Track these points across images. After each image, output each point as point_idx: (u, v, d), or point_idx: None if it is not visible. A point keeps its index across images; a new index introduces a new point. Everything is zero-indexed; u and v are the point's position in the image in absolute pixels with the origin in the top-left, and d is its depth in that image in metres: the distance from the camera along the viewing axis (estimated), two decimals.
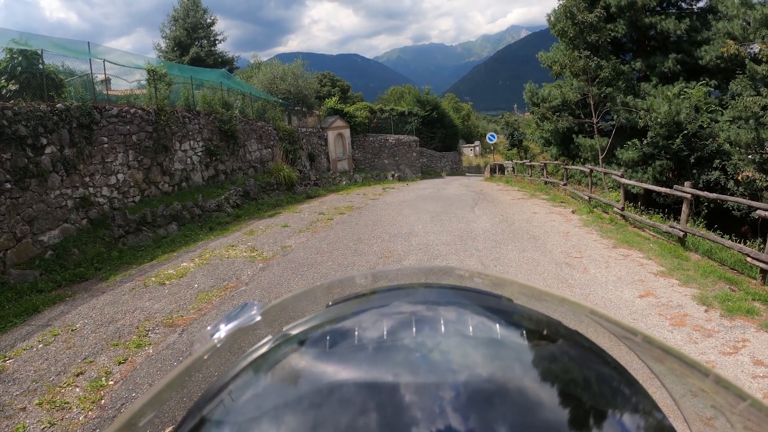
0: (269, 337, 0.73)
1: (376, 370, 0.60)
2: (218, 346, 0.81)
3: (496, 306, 0.76)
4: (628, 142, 21.08)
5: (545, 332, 0.71)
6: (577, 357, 0.68)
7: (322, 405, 0.56)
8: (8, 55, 11.76)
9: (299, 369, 0.65)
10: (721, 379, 0.66)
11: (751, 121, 16.81)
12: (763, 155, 17.01)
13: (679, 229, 9.29)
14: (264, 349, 0.70)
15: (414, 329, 0.66)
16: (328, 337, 0.69)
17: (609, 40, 22.44)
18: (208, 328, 0.87)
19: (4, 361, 6.05)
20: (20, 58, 11.73)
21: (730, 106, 19.25)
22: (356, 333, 0.68)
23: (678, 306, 6.43)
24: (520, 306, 0.78)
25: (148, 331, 6.80)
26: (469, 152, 58.07)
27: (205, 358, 0.77)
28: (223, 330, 0.86)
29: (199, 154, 17.70)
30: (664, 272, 7.88)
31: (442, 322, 0.68)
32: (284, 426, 0.55)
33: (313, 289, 0.97)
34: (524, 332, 0.69)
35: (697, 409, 0.67)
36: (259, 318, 0.86)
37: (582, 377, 0.65)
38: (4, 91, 11.39)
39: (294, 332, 0.72)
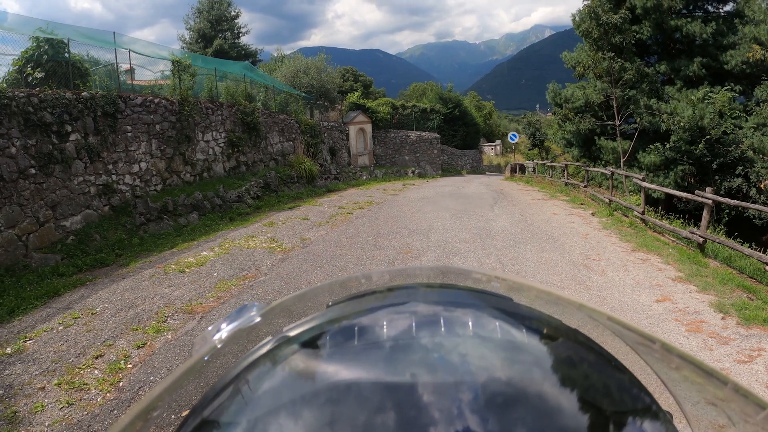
0: (270, 337, 0.73)
1: (377, 370, 0.60)
2: (219, 347, 0.81)
3: (497, 306, 0.76)
4: (651, 146, 20.82)
5: (546, 332, 0.71)
6: (585, 359, 0.68)
7: (323, 405, 0.56)
8: (34, 44, 11.94)
9: (300, 369, 0.65)
10: (740, 387, 0.65)
11: None
12: None
13: (699, 235, 9.18)
14: (264, 350, 0.70)
15: (414, 329, 0.66)
16: (328, 338, 0.69)
17: (633, 42, 22.14)
18: (209, 329, 0.87)
19: (25, 341, 6.19)
20: (46, 47, 11.91)
21: (754, 113, 18.97)
22: (356, 333, 0.67)
23: (695, 312, 6.37)
24: (524, 307, 0.78)
25: (167, 317, 6.90)
26: (490, 151, 57.80)
27: (205, 359, 0.78)
28: (224, 331, 0.86)
29: (221, 145, 17.85)
30: (682, 278, 7.81)
31: (442, 322, 0.68)
32: (286, 426, 0.55)
33: (313, 289, 0.97)
34: (525, 333, 0.68)
35: (710, 417, 0.66)
36: (259, 319, 0.87)
37: (594, 381, 0.65)
38: (30, 78, 11.58)
39: (294, 333, 0.72)
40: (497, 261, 9.17)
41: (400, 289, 0.85)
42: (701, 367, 0.69)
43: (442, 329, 0.66)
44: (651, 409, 0.60)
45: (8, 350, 5.94)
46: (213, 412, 0.61)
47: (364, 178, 28.88)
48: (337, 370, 0.61)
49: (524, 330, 0.68)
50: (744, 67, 20.44)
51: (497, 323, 0.68)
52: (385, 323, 0.68)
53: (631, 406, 0.61)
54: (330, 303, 0.83)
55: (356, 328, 0.68)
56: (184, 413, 0.64)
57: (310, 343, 0.69)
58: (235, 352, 0.77)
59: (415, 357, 0.61)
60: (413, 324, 0.67)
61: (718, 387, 0.66)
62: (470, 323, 0.68)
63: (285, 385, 0.62)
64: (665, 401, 0.65)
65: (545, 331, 0.70)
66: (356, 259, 9.70)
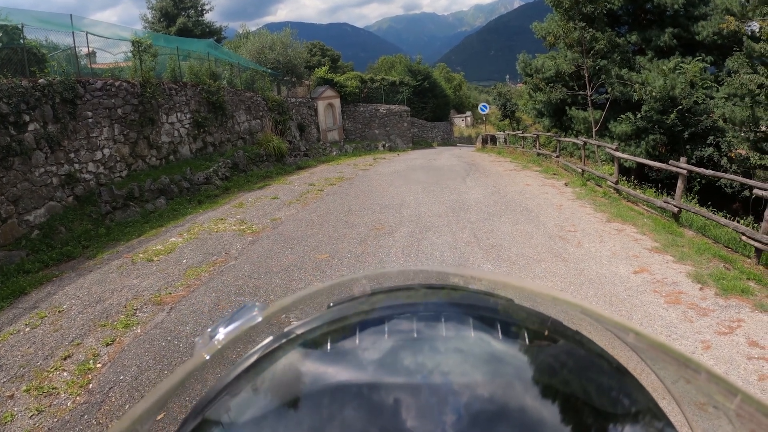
0: (270, 338, 0.72)
1: (377, 371, 0.59)
2: (219, 347, 0.80)
3: (500, 306, 0.75)
4: (622, 116, 20.98)
5: (547, 333, 0.71)
6: (588, 364, 0.67)
7: (323, 406, 0.56)
8: None
9: (300, 370, 0.65)
10: (713, 374, 0.65)
11: (746, 99, 16.74)
12: (758, 133, 16.98)
13: (674, 205, 9.23)
14: (265, 350, 0.69)
15: (415, 330, 0.66)
16: (329, 338, 0.68)
17: (605, 12, 22.14)
18: (209, 329, 0.86)
19: None
20: (1, 34, 11.38)
21: (725, 83, 19.19)
22: (357, 333, 0.67)
23: (673, 283, 6.38)
24: (529, 309, 0.76)
25: (136, 310, 6.71)
26: (461, 123, 57.74)
27: (206, 359, 0.76)
28: (224, 331, 0.85)
29: (187, 126, 17.41)
30: (658, 248, 7.83)
31: (443, 323, 0.67)
32: (285, 426, 0.55)
33: (314, 290, 0.95)
34: (526, 334, 0.68)
35: (690, 395, 0.67)
36: (259, 319, 0.85)
37: (592, 384, 0.63)
38: None
39: (295, 333, 0.71)
40: (472, 235, 9.13)
41: (401, 290, 0.85)
42: (674, 354, 0.69)
43: (445, 330, 0.66)
44: (652, 412, 0.59)
45: None
46: (213, 412, 0.61)
47: (334, 153, 28.57)
48: (337, 371, 0.61)
49: (525, 332, 0.68)
50: (715, 38, 20.67)
51: (500, 325, 0.68)
52: (385, 324, 0.68)
53: (632, 410, 0.60)
54: (330, 304, 0.82)
55: (357, 329, 0.68)
56: (185, 414, 0.64)
57: (311, 343, 0.69)
58: (236, 352, 0.77)
59: (418, 358, 0.61)
60: (414, 325, 0.67)
61: (692, 373, 0.67)
62: (473, 324, 0.68)
63: (285, 386, 0.63)
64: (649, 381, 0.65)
65: (546, 333, 0.70)
66: (328, 237, 9.59)
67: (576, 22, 21.11)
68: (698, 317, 5.43)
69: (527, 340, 0.66)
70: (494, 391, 0.56)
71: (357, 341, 0.66)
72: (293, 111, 28.22)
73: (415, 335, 0.65)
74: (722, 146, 18.91)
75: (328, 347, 0.67)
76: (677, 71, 19.94)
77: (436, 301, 0.77)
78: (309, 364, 0.65)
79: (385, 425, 0.52)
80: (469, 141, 46.16)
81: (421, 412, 0.53)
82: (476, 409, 0.53)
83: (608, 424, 0.57)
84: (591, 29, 21.17)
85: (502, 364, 0.62)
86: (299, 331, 0.72)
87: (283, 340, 0.70)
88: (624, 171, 15.34)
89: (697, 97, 19.42)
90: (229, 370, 0.68)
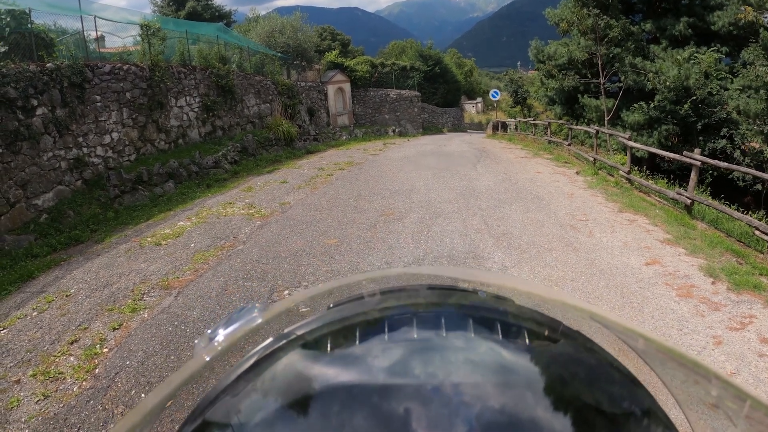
0: (270, 339, 0.71)
1: (377, 373, 0.59)
2: (218, 348, 0.79)
3: (501, 307, 0.74)
4: (635, 105, 20.70)
5: (549, 333, 0.70)
6: (593, 368, 0.66)
7: (323, 408, 0.56)
8: None
9: (300, 371, 0.64)
10: (723, 380, 0.63)
11: (761, 92, 16.43)
12: None
13: (687, 197, 9.08)
14: (265, 351, 0.69)
15: (416, 329, 0.66)
16: (329, 339, 0.68)
17: (619, 0, 21.73)
18: (208, 331, 0.86)
19: None
20: (8, 19, 11.41)
21: (740, 75, 18.88)
22: (357, 335, 0.67)
23: (685, 276, 6.29)
24: (525, 308, 0.76)
25: (144, 294, 6.71)
26: (472, 109, 57.27)
27: (206, 360, 0.75)
28: (224, 332, 0.85)
29: (196, 110, 17.37)
30: (670, 240, 7.72)
31: (444, 322, 0.67)
32: (285, 428, 0.55)
33: (314, 291, 0.94)
34: (527, 333, 0.67)
35: (696, 398, 0.66)
36: (259, 320, 0.84)
37: (597, 388, 0.63)
38: None
39: (294, 334, 0.71)
40: (482, 222, 9.07)
41: (403, 291, 0.83)
42: (684, 361, 0.67)
43: (446, 330, 0.66)
44: (657, 417, 0.58)
45: None
46: (213, 413, 0.60)
47: (344, 138, 28.43)
48: (337, 373, 0.61)
49: (526, 332, 0.67)
50: (731, 28, 20.26)
51: (500, 325, 0.67)
52: (386, 325, 0.68)
53: (633, 411, 0.59)
54: (331, 305, 0.82)
55: (357, 330, 0.68)
56: (185, 415, 0.63)
57: (311, 344, 0.69)
58: (236, 353, 0.76)
59: (418, 358, 0.61)
60: (415, 326, 0.67)
61: (703, 380, 0.65)
62: (473, 325, 0.67)
63: (285, 387, 0.62)
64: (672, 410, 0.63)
65: (546, 333, 0.69)
66: (337, 222, 9.54)
67: (590, 8, 20.87)
68: (710, 312, 5.34)
69: (528, 341, 0.66)
70: (497, 393, 0.55)
71: (357, 342, 0.66)
72: (303, 95, 28.11)
73: (416, 337, 0.65)
74: (735, 139, 18.61)
75: (328, 348, 0.66)
76: (692, 61, 19.62)
77: (438, 303, 0.76)
78: (309, 366, 0.65)
79: (385, 428, 0.51)
80: (479, 127, 45.87)
81: (423, 415, 0.52)
82: (481, 411, 0.52)
83: (611, 426, 0.56)
84: (605, 16, 20.89)
85: (505, 366, 0.61)
86: (299, 333, 0.71)
87: (283, 341, 0.70)
88: (635, 161, 15.14)
89: (711, 88, 19.11)
90: (229, 372, 0.68)
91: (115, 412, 4.34)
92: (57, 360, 5.20)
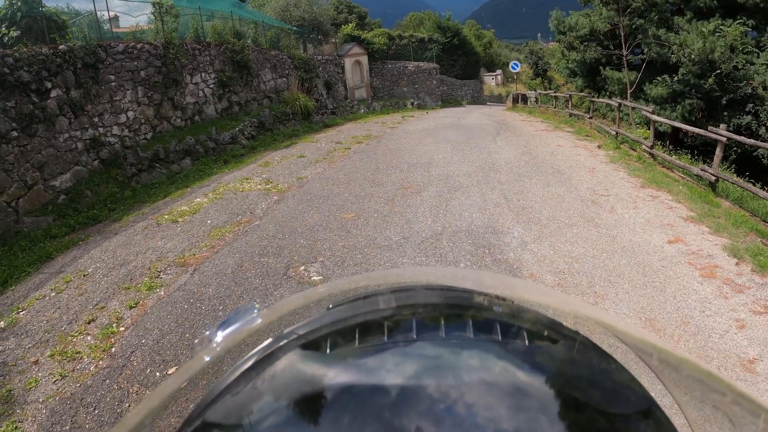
0: (269, 339, 0.72)
1: (377, 373, 0.59)
2: (218, 348, 0.79)
3: (497, 308, 0.74)
4: (658, 78, 20.17)
5: (548, 333, 0.69)
6: (594, 366, 0.66)
7: (322, 408, 0.55)
8: (7, 2, 11.49)
9: (300, 372, 0.64)
10: (724, 382, 0.63)
11: None
12: None
13: (711, 173, 8.80)
14: (264, 352, 0.69)
15: (415, 331, 0.65)
16: (328, 340, 0.68)
17: None
18: (207, 332, 0.84)
19: (18, 312, 6.03)
20: (19, 3, 11.48)
21: (767, 49, 18.18)
22: (357, 335, 0.67)
23: (708, 256, 6.12)
24: (525, 308, 0.76)
25: (160, 272, 6.75)
26: (491, 81, 56.49)
27: (205, 360, 0.75)
28: (223, 333, 0.83)
29: (212, 86, 17.29)
30: (694, 218, 7.52)
31: (443, 324, 0.67)
32: (284, 429, 0.55)
33: (314, 291, 0.92)
34: (527, 334, 0.67)
35: (714, 421, 0.64)
36: (259, 320, 0.83)
37: (598, 387, 0.62)
38: (6, 38, 11.24)
39: (294, 334, 0.71)
40: (501, 196, 8.97)
41: (402, 291, 0.83)
42: (699, 370, 0.67)
43: (444, 331, 0.65)
44: (657, 418, 0.57)
45: (1, 324, 5.80)
46: (212, 414, 0.60)
47: (362, 111, 28.20)
48: (337, 374, 0.60)
49: (525, 333, 0.66)
50: (758, 0, 19.46)
51: (498, 325, 0.67)
52: (386, 325, 0.68)
53: (634, 413, 0.59)
54: (330, 305, 0.82)
55: (357, 331, 0.68)
56: (184, 416, 0.63)
57: (310, 345, 0.68)
58: (235, 353, 0.75)
59: (417, 358, 0.61)
60: (414, 325, 0.66)
61: (716, 389, 0.64)
62: (472, 324, 0.67)
63: (284, 388, 0.62)
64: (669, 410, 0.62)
65: (546, 333, 0.69)
66: (354, 196, 9.50)
67: None
68: (733, 294, 5.19)
69: (527, 343, 0.65)
70: (498, 394, 0.55)
71: (357, 344, 0.66)
72: (320, 69, 27.87)
73: (415, 338, 0.64)
74: (761, 115, 17.96)
75: (328, 349, 0.67)
76: (717, 34, 18.95)
77: (437, 303, 0.76)
78: (308, 366, 0.65)
79: (383, 427, 0.51)
80: (499, 100, 45.25)
81: (421, 415, 0.52)
82: (483, 412, 0.52)
83: (611, 427, 0.56)
84: None
85: (505, 366, 0.60)
86: (299, 333, 0.71)
87: (283, 342, 0.70)
88: (658, 135, 14.80)
89: (737, 62, 18.46)
90: (228, 372, 0.68)
91: (131, 391, 4.37)
92: (74, 340, 5.25)
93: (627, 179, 9.96)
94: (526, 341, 0.65)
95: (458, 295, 0.82)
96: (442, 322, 0.68)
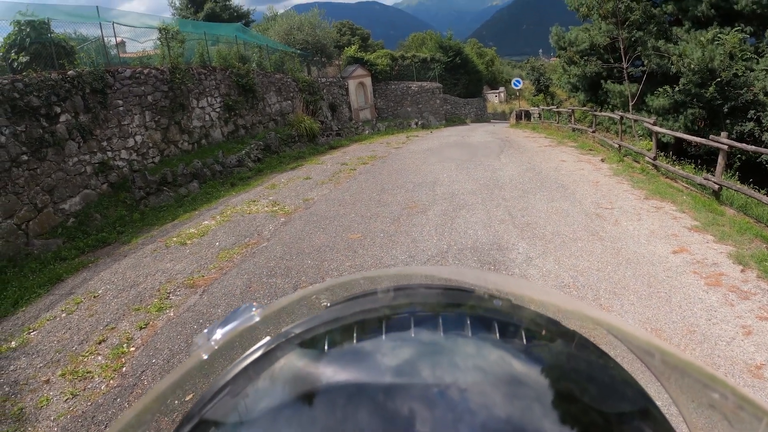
0: (267, 338, 0.71)
1: (375, 371, 0.59)
2: (216, 347, 0.78)
3: (498, 306, 0.74)
4: (659, 89, 20.22)
5: (546, 333, 0.69)
6: (592, 366, 0.65)
7: (320, 407, 0.56)
8: (16, 28, 11.79)
9: (298, 370, 0.64)
10: (721, 381, 0.63)
11: None
12: None
13: (714, 182, 8.83)
14: (262, 351, 0.68)
15: (413, 328, 0.66)
16: (326, 338, 0.68)
17: None
18: (206, 330, 0.84)
19: (29, 333, 6.11)
20: (28, 29, 11.76)
21: (766, 55, 18.28)
22: (355, 334, 0.67)
23: (713, 264, 6.13)
24: (524, 307, 0.75)
25: (169, 293, 6.81)
26: (494, 98, 56.84)
27: (203, 359, 0.75)
28: (221, 331, 0.83)
29: (218, 110, 17.52)
30: (698, 227, 7.53)
31: (441, 322, 0.67)
32: (282, 427, 0.54)
33: (312, 290, 0.93)
34: (525, 332, 0.66)
35: (711, 423, 0.63)
36: (257, 319, 0.83)
37: (594, 386, 0.62)
38: (16, 64, 11.49)
39: (292, 333, 0.70)
40: (506, 212, 8.99)
41: (401, 290, 0.82)
42: (703, 373, 0.66)
43: (442, 330, 0.65)
44: (654, 418, 0.57)
45: (13, 344, 5.87)
46: (210, 412, 0.60)
47: (367, 132, 28.40)
48: (335, 372, 0.60)
49: (523, 331, 0.66)
50: (754, 7, 19.57)
51: (497, 324, 0.67)
52: (384, 323, 0.68)
53: (630, 411, 0.59)
54: (329, 303, 0.81)
55: (355, 330, 0.68)
56: (181, 414, 0.63)
57: (309, 344, 0.68)
58: (233, 352, 0.74)
59: (414, 357, 0.61)
60: (413, 325, 0.66)
61: (718, 392, 0.63)
62: (470, 324, 0.66)
63: (283, 387, 0.62)
64: (667, 408, 0.63)
65: (544, 332, 0.69)
66: (360, 217, 9.55)
67: None
68: (739, 301, 5.20)
69: (524, 341, 0.65)
70: (496, 394, 0.55)
71: (355, 342, 0.66)
72: (324, 91, 28.16)
73: (414, 336, 0.65)
74: (763, 121, 17.94)
75: (326, 347, 0.66)
76: (716, 42, 19.03)
77: (436, 303, 0.76)
78: (307, 365, 0.64)
79: (383, 427, 0.51)
80: (503, 117, 45.46)
81: (419, 412, 0.52)
82: (481, 412, 0.52)
83: (607, 426, 0.55)
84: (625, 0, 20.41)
85: (503, 366, 0.61)
86: (297, 331, 0.71)
87: (281, 341, 0.69)
88: (662, 146, 14.83)
89: (736, 70, 18.50)
90: (226, 371, 0.68)
91: (109, 427, 4.41)
92: (85, 359, 5.31)
93: (631, 191, 9.99)
94: (524, 339, 0.65)
95: (457, 293, 0.82)
96: (441, 320, 0.68)
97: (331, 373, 0.61)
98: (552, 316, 0.75)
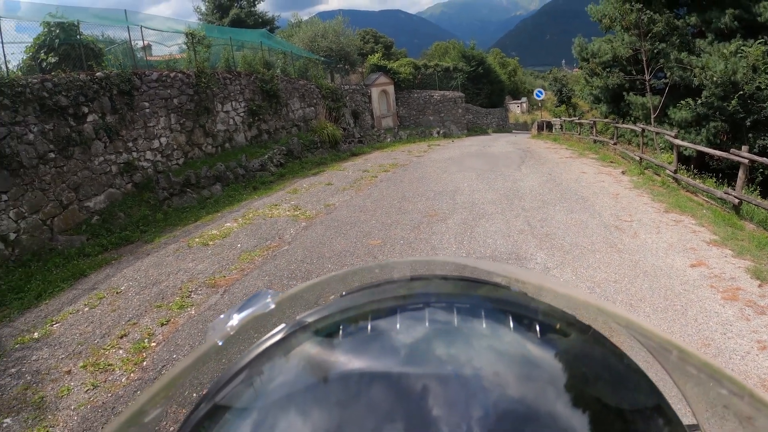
0: (283, 325, 0.71)
1: (389, 361, 0.59)
2: (231, 333, 0.79)
3: (513, 299, 0.73)
4: (682, 102, 19.99)
5: (560, 327, 0.68)
6: (605, 361, 0.65)
7: (334, 394, 0.57)
8: (46, 29, 12.04)
9: (312, 358, 0.65)
10: (756, 397, 0.61)
11: None
12: None
13: (734, 196, 8.77)
14: (277, 338, 0.69)
15: (427, 318, 0.66)
16: (341, 326, 0.68)
17: None
18: (222, 316, 0.85)
19: (52, 325, 6.28)
20: (57, 31, 12.05)
21: None
22: (370, 323, 0.67)
23: (731, 279, 6.10)
24: (539, 301, 0.74)
25: (191, 292, 6.94)
26: (516, 109, 56.66)
27: (218, 345, 0.76)
28: (237, 318, 0.84)
29: (242, 114, 17.76)
30: (717, 241, 7.49)
31: (456, 315, 0.67)
32: (296, 414, 0.56)
33: (327, 278, 0.95)
34: (539, 333, 0.66)
35: (727, 426, 0.63)
36: (273, 306, 0.84)
37: (606, 381, 0.62)
38: (45, 64, 11.75)
39: (307, 321, 0.70)
40: (525, 223, 9.01)
41: (415, 280, 0.83)
42: (720, 374, 0.65)
43: (457, 321, 0.66)
44: (663, 411, 0.57)
45: (35, 335, 6.03)
46: (225, 397, 0.61)
47: (389, 140, 28.52)
48: (349, 360, 0.61)
49: (537, 326, 0.66)
50: None
51: (511, 318, 0.67)
52: (398, 313, 0.68)
53: (641, 407, 0.59)
54: (344, 292, 0.81)
55: (369, 317, 0.68)
56: (196, 399, 0.65)
57: (323, 331, 0.69)
58: (248, 339, 0.75)
59: (428, 348, 0.61)
60: (427, 315, 0.67)
61: (735, 395, 0.63)
62: (485, 316, 0.67)
63: (297, 373, 0.63)
64: (682, 409, 0.63)
65: (558, 326, 0.68)
66: (380, 224, 9.62)
67: (632, 3, 20.26)
68: (756, 315, 5.17)
69: (539, 333, 0.66)
70: (509, 384, 0.56)
71: (369, 330, 0.66)
72: (347, 98, 28.35)
73: (427, 325, 0.65)
74: None
75: (341, 336, 0.67)
76: (739, 55, 18.74)
77: (451, 293, 0.76)
78: (321, 352, 0.66)
79: (393, 417, 0.52)
80: (524, 127, 45.29)
81: (433, 401, 0.53)
82: (494, 401, 0.53)
83: (618, 421, 0.57)
84: (648, 11, 20.25)
85: (517, 357, 0.61)
86: (312, 319, 0.71)
87: (296, 328, 0.70)
88: (684, 160, 14.69)
89: (759, 83, 18.17)
90: (241, 357, 0.68)
91: (122, 411, 4.51)
92: (107, 353, 5.45)
93: (650, 204, 9.95)
94: (539, 332, 0.65)
95: (473, 284, 0.82)
96: (456, 310, 0.68)
97: (345, 361, 0.61)
98: (568, 310, 0.75)
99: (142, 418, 0.66)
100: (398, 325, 0.65)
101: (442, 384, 0.55)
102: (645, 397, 0.60)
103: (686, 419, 0.61)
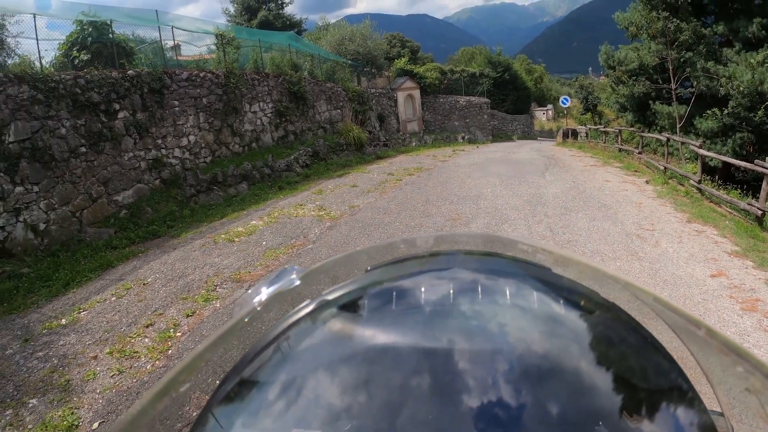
0: (309, 300, 0.73)
1: (414, 335, 0.61)
2: (258, 309, 0.82)
3: (537, 276, 0.75)
4: (708, 112, 19.69)
5: (584, 305, 0.70)
6: (621, 335, 0.67)
7: (359, 367, 0.58)
8: (78, 27, 12.39)
9: (338, 332, 0.66)
10: (762, 365, 0.64)
11: None
12: None
13: (758, 208, 8.69)
14: (303, 312, 0.71)
15: (452, 295, 0.67)
16: (366, 301, 0.70)
17: (689, 1, 20.84)
18: (249, 291, 0.89)
19: (79, 312, 6.49)
20: (90, 29, 12.38)
21: None
22: (394, 297, 0.68)
23: (751, 290, 6.08)
24: (564, 278, 0.77)
25: (216, 285, 7.09)
26: (542, 116, 56.28)
27: (245, 321, 0.79)
28: (264, 293, 0.87)
29: (269, 115, 17.99)
30: (738, 252, 7.45)
31: (480, 289, 0.68)
32: (322, 386, 0.57)
33: (352, 254, 0.98)
34: (563, 305, 0.68)
35: (750, 406, 0.64)
36: (298, 282, 0.87)
37: (629, 358, 0.64)
38: (77, 61, 12.08)
39: (333, 296, 0.73)
40: (547, 229, 9.02)
41: (440, 255, 0.85)
42: (744, 356, 0.66)
43: (481, 297, 0.67)
44: (684, 391, 0.58)
45: (63, 321, 6.24)
46: (253, 371, 0.63)
47: (414, 144, 28.63)
48: (374, 334, 0.62)
49: (562, 302, 0.67)
50: None
51: (536, 294, 0.68)
52: (423, 288, 0.69)
53: (664, 387, 0.60)
54: (369, 267, 0.83)
55: (394, 293, 0.69)
56: (224, 372, 0.67)
57: (349, 306, 0.70)
58: (275, 314, 0.78)
59: (452, 323, 0.62)
60: (451, 290, 0.68)
61: (759, 377, 0.63)
62: (509, 292, 0.68)
63: (323, 347, 0.64)
64: (703, 388, 0.64)
65: (583, 303, 0.70)
66: (404, 226, 9.71)
67: (659, 11, 20.03)
68: None
69: (564, 312, 0.66)
70: (529, 362, 0.56)
71: (394, 305, 0.67)
72: (373, 101, 28.48)
73: (453, 301, 0.66)
74: None
75: (365, 311, 0.68)
76: (766, 65, 18.44)
77: (476, 268, 0.77)
78: (346, 327, 0.67)
79: (418, 388, 0.53)
80: (550, 134, 44.99)
81: (455, 378, 0.54)
82: (510, 378, 0.54)
83: (642, 401, 0.57)
84: (675, 19, 20.01)
85: (539, 335, 0.62)
86: (337, 294, 0.72)
87: (322, 303, 0.71)
88: (709, 170, 14.51)
89: None
90: (267, 332, 0.69)
91: (154, 384, 4.65)
92: (133, 341, 5.63)
93: (673, 214, 9.89)
94: (563, 307, 0.66)
95: (497, 260, 0.84)
96: (479, 286, 0.69)
97: (370, 335, 0.62)
98: (595, 282, 0.77)
99: (173, 390, 0.68)
100: (423, 301, 0.67)
101: (467, 360, 0.56)
102: (667, 375, 0.61)
103: (710, 404, 0.61)
